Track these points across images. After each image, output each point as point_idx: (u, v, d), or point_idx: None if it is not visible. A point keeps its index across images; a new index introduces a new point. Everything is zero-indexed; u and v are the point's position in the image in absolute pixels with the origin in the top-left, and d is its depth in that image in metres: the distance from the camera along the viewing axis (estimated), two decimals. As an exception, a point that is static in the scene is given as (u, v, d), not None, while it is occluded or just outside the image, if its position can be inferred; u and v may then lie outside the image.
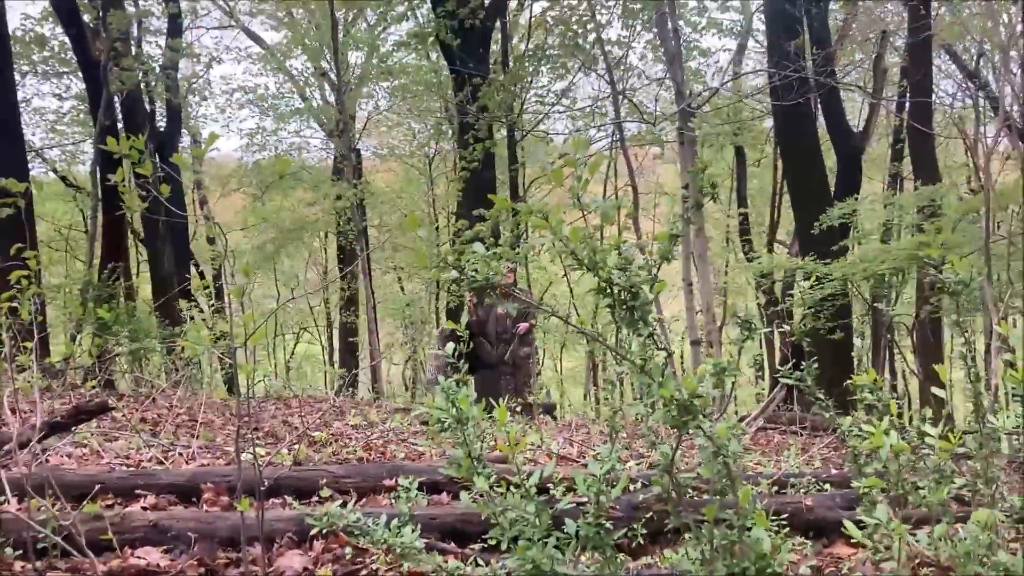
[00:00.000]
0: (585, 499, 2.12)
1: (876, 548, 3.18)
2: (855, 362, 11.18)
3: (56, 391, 5.97)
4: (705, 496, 1.85)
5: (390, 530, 2.15)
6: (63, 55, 14.91)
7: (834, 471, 4.66)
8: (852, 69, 15.83)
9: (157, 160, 2.38)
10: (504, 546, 1.82)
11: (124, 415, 5.58)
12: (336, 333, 21.58)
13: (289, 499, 3.63)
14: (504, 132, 13.67)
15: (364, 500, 3.71)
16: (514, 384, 8.98)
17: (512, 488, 1.78)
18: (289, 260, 22.14)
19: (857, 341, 3.23)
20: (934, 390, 2.06)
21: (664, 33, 7.07)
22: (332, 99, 16.28)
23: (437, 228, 18.31)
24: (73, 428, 4.02)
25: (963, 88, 14.56)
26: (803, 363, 2.58)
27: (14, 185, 3.46)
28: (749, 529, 1.76)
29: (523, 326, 8.46)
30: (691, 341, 8.94)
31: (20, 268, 3.41)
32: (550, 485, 3.74)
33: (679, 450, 1.84)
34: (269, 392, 8.48)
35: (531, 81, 14.91)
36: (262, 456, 4.35)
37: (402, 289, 22.05)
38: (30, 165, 12.46)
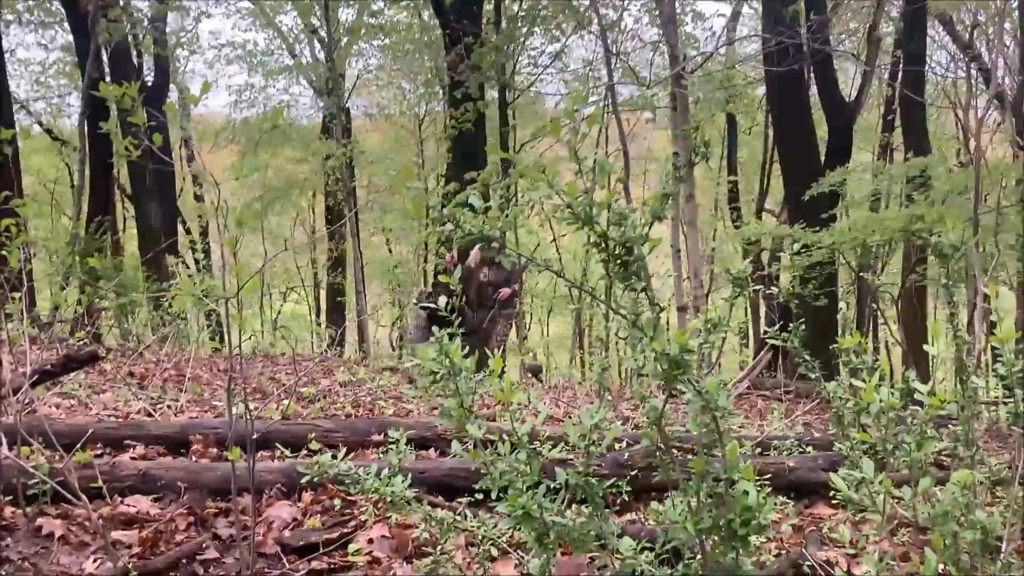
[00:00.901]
0: (572, 456, 2.15)
1: (858, 507, 3.24)
2: (840, 330, 11.26)
3: (43, 343, 5.96)
4: (690, 456, 1.88)
5: (380, 480, 2.18)
6: (48, 5, 14.66)
7: (816, 435, 4.72)
8: (846, 38, 15.76)
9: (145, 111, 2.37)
10: (494, 495, 1.85)
11: (112, 368, 5.58)
12: (323, 293, 21.56)
13: (278, 452, 3.66)
14: (495, 94, 13.56)
15: (353, 454, 3.74)
16: (479, 349, 9.01)
17: (504, 436, 1.80)
18: (276, 219, 22.02)
19: (843, 304, 3.25)
20: (926, 347, 2.08)
21: (660, -5, 7.02)
22: (322, 56, 16.11)
23: (427, 190, 18.19)
24: (62, 377, 4.02)
25: (956, 59, 14.53)
26: (790, 325, 2.60)
27: (2, 132, 3.42)
28: (735, 483, 1.79)
29: (505, 291, 8.25)
30: (678, 307, 8.98)
31: (8, 217, 3.39)
32: (537, 442, 3.78)
33: (666, 407, 1.86)
34: (257, 350, 8.49)
35: (524, 42, 14.77)
36: (248, 410, 4.36)
37: (390, 251, 21.99)
38: (15, 118, 12.29)
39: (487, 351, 8.43)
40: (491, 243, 1.87)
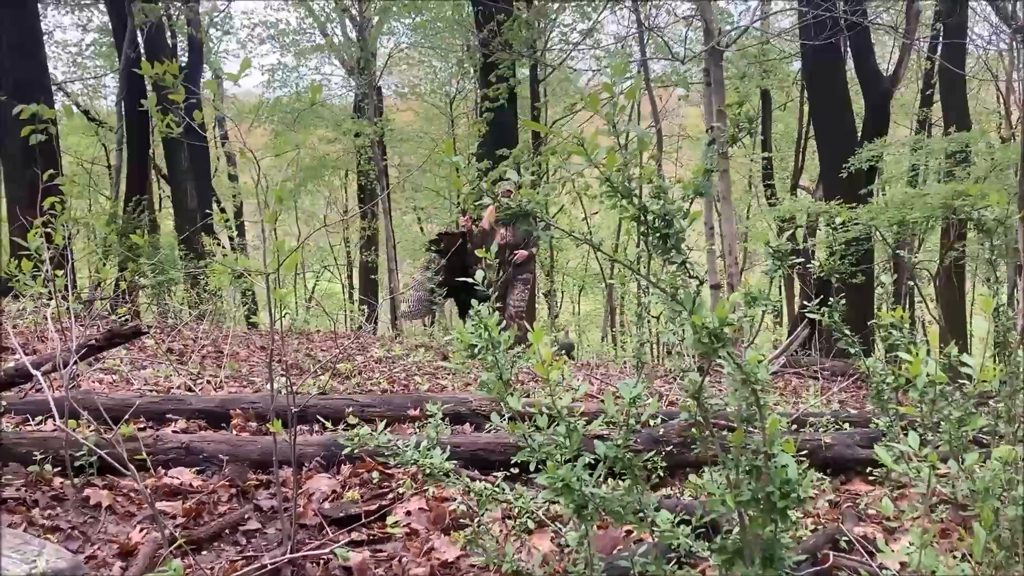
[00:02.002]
0: (608, 432, 2.16)
1: (896, 483, 3.22)
2: (876, 308, 11.14)
3: (85, 320, 6.07)
4: (725, 432, 1.88)
5: (419, 452, 2.20)
6: (84, -14, 14.80)
7: (852, 412, 4.69)
8: (884, 10, 15.45)
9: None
10: (533, 467, 1.86)
11: (154, 343, 5.68)
12: (356, 272, 21.69)
13: (317, 426, 3.71)
14: (527, 71, 13.49)
15: (389, 429, 3.78)
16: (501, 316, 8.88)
17: (544, 408, 1.81)
18: (310, 198, 22.15)
19: (884, 278, 3.18)
20: (968, 322, 2.06)
21: (694, -31, 6.92)
22: (353, 35, 16.11)
23: (458, 169, 18.18)
24: (105, 352, 4.10)
25: (998, 31, 14.19)
26: (830, 300, 2.58)
27: (45, 111, 3.47)
28: (774, 457, 1.79)
29: (521, 254, 7.91)
30: (711, 285, 8.91)
31: (52, 194, 3.45)
32: (572, 417, 3.79)
33: (704, 380, 1.86)
34: (293, 327, 8.58)
35: (555, 19, 14.66)
36: (287, 385, 4.43)
37: (421, 230, 22.04)
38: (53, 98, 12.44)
39: (505, 318, 8.23)
40: (528, 217, 1.87)
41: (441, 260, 7.82)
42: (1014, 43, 12.57)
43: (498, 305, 8.01)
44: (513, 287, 7.88)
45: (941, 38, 12.19)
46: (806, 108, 15.74)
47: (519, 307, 7.92)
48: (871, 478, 3.56)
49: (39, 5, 10.82)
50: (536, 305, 16.12)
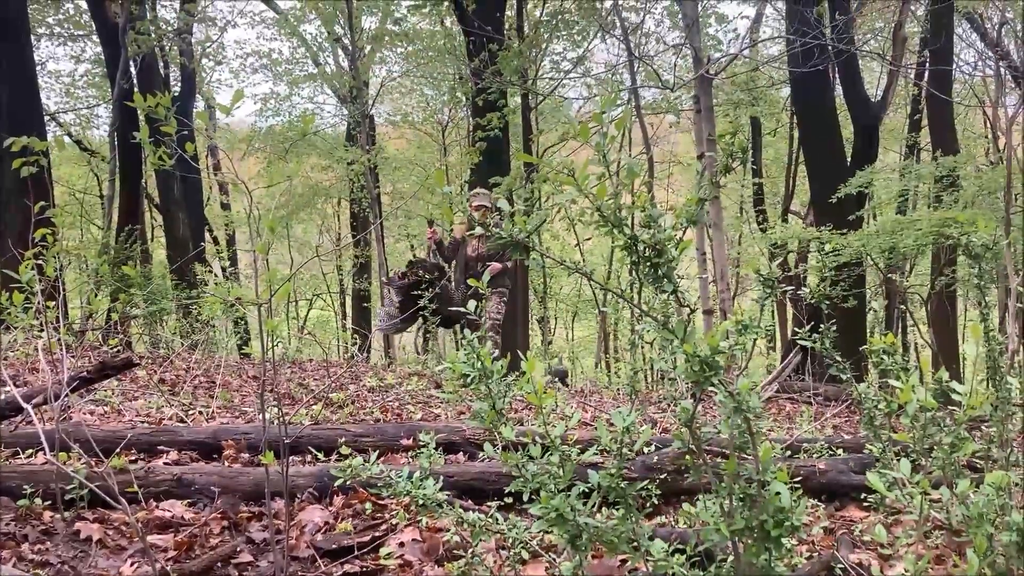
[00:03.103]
0: (602, 460, 2.15)
1: (890, 509, 3.21)
2: (868, 332, 11.18)
3: (76, 351, 6.05)
4: (719, 460, 1.88)
5: (412, 483, 2.19)
6: (78, 18, 14.90)
7: (846, 438, 4.69)
8: (871, 37, 15.64)
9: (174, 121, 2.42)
10: (526, 497, 1.86)
11: (145, 374, 5.65)
12: (349, 300, 21.68)
13: (309, 456, 3.69)
14: (518, 99, 13.58)
15: (383, 459, 3.76)
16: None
17: (536, 439, 1.81)
18: (302, 227, 22.17)
19: (875, 304, 3.21)
20: (961, 347, 2.07)
21: (683, -2, 7.01)
22: (346, 64, 16.21)
23: (450, 198, 18.24)
24: (97, 384, 4.08)
25: (984, 57, 14.37)
26: (821, 326, 2.59)
27: (37, 144, 3.48)
28: (767, 485, 1.79)
29: (494, 266, 7.39)
30: (704, 310, 8.93)
31: (44, 226, 3.45)
32: (566, 446, 3.77)
33: (697, 408, 1.86)
34: (285, 356, 8.56)
35: (546, 47, 14.79)
36: (280, 416, 4.40)
37: (414, 257, 22.04)
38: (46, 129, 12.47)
39: (478, 333, 8.15)
40: (521, 246, 1.88)
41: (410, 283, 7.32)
42: (1000, 68, 12.72)
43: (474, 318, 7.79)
44: (488, 299, 7.49)
45: (928, 64, 12.34)
46: (796, 134, 15.88)
47: (495, 319, 7.53)
48: (866, 504, 3.55)
49: (32, 37, 10.87)
50: (529, 331, 16.11)
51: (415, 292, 7.02)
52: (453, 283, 7.59)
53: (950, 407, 1.96)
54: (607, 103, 1.75)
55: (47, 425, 3.51)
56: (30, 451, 3.45)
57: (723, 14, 13.49)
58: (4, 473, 2.99)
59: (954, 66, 12.82)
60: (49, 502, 2.89)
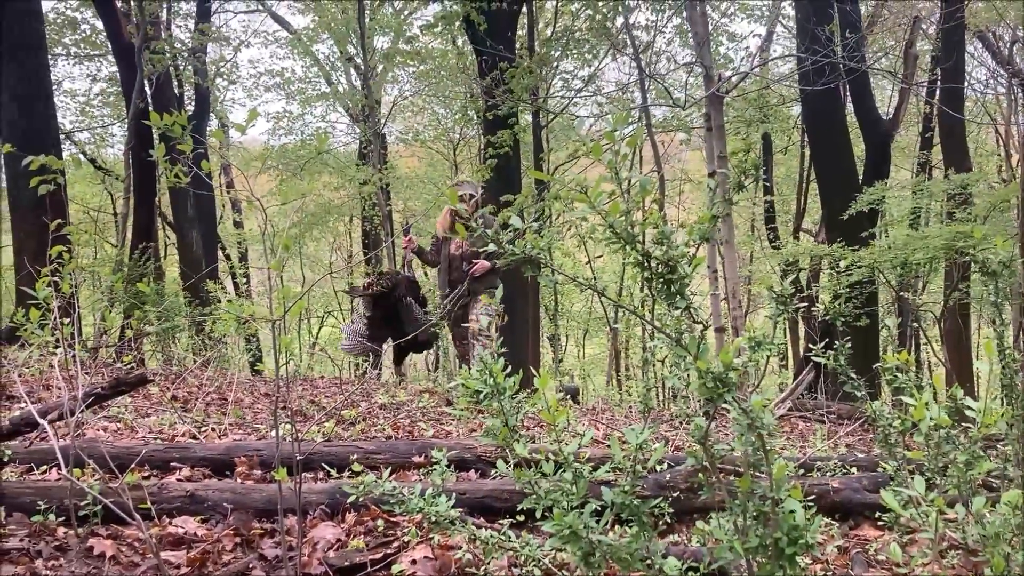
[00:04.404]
0: (614, 478, 2.15)
1: (905, 528, 3.19)
2: (881, 351, 11.12)
3: (90, 367, 6.08)
4: (732, 478, 1.88)
5: (425, 499, 2.19)
6: (94, 39, 15.08)
7: (860, 456, 4.66)
8: (882, 55, 15.67)
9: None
10: (539, 514, 1.85)
11: (158, 391, 5.68)
12: (360, 317, 21.68)
13: (321, 473, 3.70)
14: (529, 117, 13.65)
15: (394, 476, 3.76)
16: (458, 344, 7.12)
17: (550, 456, 1.81)
18: (314, 244, 22.28)
19: (889, 322, 3.18)
20: (975, 364, 2.06)
21: (693, 15, 7.03)
22: (358, 83, 16.34)
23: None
24: (111, 400, 4.11)
25: (995, 75, 14.36)
26: (836, 342, 2.58)
27: (54, 162, 3.52)
28: (781, 502, 1.78)
29: (481, 264, 6.76)
30: (715, 328, 8.90)
31: (60, 243, 3.49)
32: (578, 463, 3.77)
33: (710, 425, 1.86)
34: (297, 372, 8.58)
35: (557, 66, 14.87)
36: (292, 432, 4.41)
37: (425, 274, 22.09)
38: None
39: (461, 346, 7.03)
40: (533, 263, 1.88)
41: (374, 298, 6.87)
42: (1012, 86, 12.71)
43: (464, 325, 6.80)
44: (475, 303, 6.88)
45: (939, 82, 12.35)
46: (807, 152, 15.88)
47: (481, 324, 6.81)
48: (880, 523, 3.52)
49: (49, 57, 11.00)
50: (540, 349, 16.09)
51: (386, 304, 6.59)
52: (437, 286, 7.07)
53: (964, 424, 1.95)
54: (619, 120, 1.76)
55: (62, 441, 3.53)
56: (44, 467, 3.46)
57: (734, 32, 13.54)
58: (18, 489, 3.01)
59: (966, 84, 12.83)
60: (63, 518, 2.90)
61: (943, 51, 11.76)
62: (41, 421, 2.61)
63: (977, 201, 10.32)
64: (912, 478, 2.18)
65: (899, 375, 2.57)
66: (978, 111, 16.88)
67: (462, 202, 6.65)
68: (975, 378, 12.25)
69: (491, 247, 1.87)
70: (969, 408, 1.76)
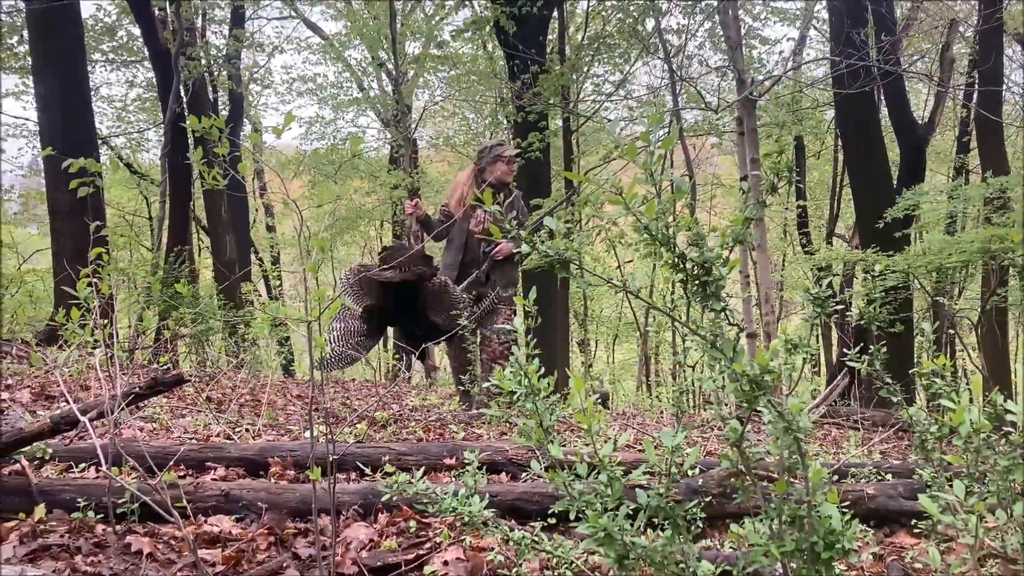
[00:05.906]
0: (647, 481, 2.14)
1: (942, 536, 3.15)
2: (916, 357, 10.97)
3: (126, 368, 6.17)
4: (765, 483, 1.86)
5: (458, 500, 2.20)
6: (131, 45, 15.32)
7: (895, 463, 4.60)
8: (918, 59, 15.48)
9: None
10: (572, 516, 1.86)
11: (193, 392, 5.75)
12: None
13: (354, 474, 3.72)
14: (559, 122, 13.65)
15: (426, 477, 3.78)
16: (481, 351, 5.59)
17: (585, 457, 1.81)
18: (345, 249, 22.44)
19: (925, 326, 3.12)
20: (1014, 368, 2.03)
21: (726, 19, 7.00)
22: (389, 89, 16.45)
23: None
24: (148, 399, 4.17)
25: (1034, 78, 14.12)
26: (871, 347, 2.56)
27: (93, 165, 3.59)
28: (817, 506, 1.77)
29: (503, 247, 5.51)
30: (747, 333, 8.84)
31: (99, 245, 3.55)
32: (613, 467, 3.76)
33: (745, 428, 1.85)
34: (330, 375, 8.64)
35: (588, 70, 14.86)
36: (325, 433, 4.45)
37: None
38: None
39: (483, 357, 5.63)
40: (564, 264, 1.88)
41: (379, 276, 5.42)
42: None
43: (483, 334, 5.66)
44: (495, 313, 5.61)
45: (977, 85, 12.17)
46: (840, 156, 15.72)
47: (504, 343, 5.62)
48: (916, 530, 3.47)
49: (88, 63, 11.20)
50: (569, 354, 16.06)
51: (402, 288, 5.32)
52: (443, 268, 5.64)
53: (1004, 429, 1.92)
54: (654, 121, 1.76)
55: (101, 440, 3.59)
56: (83, 465, 3.52)
57: (766, 36, 13.46)
58: (58, 486, 3.07)
59: (1004, 87, 12.64)
60: (101, 515, 2.94)
61: (981, 54, 11.59)
62: (82, 419, 2.66)
63: (1015, 206, 10.14)
64: (950, 484, 2.15)
65: (936, 380, 2.54)
66: (1017, 114, 16.61)
67: (503, 162, 5.68)
68: (1013, 385, 12.04)
69: (523, 247, 1.87)
70: (1010, 412, 1.74)
